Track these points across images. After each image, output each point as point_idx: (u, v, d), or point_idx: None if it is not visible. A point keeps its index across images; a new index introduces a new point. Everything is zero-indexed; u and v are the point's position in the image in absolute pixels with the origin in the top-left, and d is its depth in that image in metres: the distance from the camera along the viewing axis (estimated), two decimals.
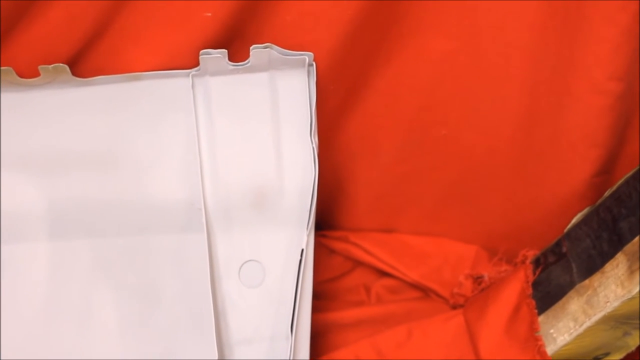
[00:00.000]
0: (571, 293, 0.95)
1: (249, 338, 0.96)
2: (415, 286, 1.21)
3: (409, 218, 1.21)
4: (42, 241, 0.94)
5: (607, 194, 0.96)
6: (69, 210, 0.94)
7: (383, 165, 1.12)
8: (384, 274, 1.22)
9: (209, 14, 0.88)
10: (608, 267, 0.91)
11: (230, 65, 0.90)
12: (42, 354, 0.94)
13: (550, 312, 0.98)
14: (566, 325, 0.95)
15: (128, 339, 0.96)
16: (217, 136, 0.93)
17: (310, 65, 0.92)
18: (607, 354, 0.99)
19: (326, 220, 1.22)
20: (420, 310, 1.16)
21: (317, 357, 1.09)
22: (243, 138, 0.94)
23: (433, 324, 1.11)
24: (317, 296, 1.01)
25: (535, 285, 1.02)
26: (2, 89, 0.89)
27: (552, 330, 0.97)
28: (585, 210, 0.99)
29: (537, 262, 1.04)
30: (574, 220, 1.00)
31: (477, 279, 1.15)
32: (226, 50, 0.89)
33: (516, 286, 1.04)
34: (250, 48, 0.89)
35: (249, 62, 0.90)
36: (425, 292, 1.21)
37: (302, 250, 0.91)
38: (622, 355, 0.99)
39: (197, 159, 0.92)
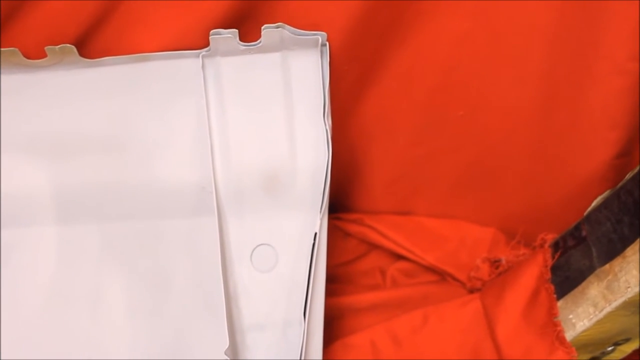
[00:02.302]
0: (591, 278, 0.94)
1: (261, 323, 0.95)
2: (431, 270, 1.20)
3: (425, 200, 1.19)
4: (50, 225, 0.93)
5: (628, 176, 0.94)
6: (76, 194, 0.93)
7: (399, 146, 1.10)
8: (399, 257, 1.21)
9: None
10: (629, 251, 0.89)
11: (242, 46, 0.88)
12: (51, 340, 0.93)
13: (569, 297, 0.96)
14: (586, 310, 0.93)
15: (138, 325, 0.95)
16: (228, 118, 0.91)
17: (323, 45, 0.90)
18: (627, 340, 0.98)
19: (341, 202, 1.21)
20: (436, 294, 1.15)
21: (330, 342, 1.07)
22: (255, 120, 0.92)
23: (449, 308, 1.09)
24: (331, 280, 1.00)
25: (554, 269, 1.00)
26: (8, 70, 0.88)
27: (571, 316, 0.95)
28: (606, 193, 0.97)
29: (556, 246, 1.02)
30: (594, 203, 0.98)
31: (495, 263, 1.13)
32: (237, 30, 0.87)
33: (534, 270, 1.02)
34: (262, 28, 0.87)
35: (260, 42, 0.88)
36: (441, 275, 1.19)
37: (315, 234, 0.90)
38: None
39: (207, 142, 0.91)
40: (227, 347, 0.86)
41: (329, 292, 0.95)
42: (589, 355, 0.99)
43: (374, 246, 1.23)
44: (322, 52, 0.90)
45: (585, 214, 0.99)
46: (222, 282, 0.89)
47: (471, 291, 1.15)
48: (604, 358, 1.01)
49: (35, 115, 0.91)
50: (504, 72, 0.98)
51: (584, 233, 0.97)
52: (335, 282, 1.16)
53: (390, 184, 1.17)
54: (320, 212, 0.90)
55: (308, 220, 0.93)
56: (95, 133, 0.92)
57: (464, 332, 1.07)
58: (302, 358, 0.89)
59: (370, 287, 1.19)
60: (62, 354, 0.93)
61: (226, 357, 0.85)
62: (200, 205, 0.94)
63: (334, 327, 1.10)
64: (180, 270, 0.95)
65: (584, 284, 0.94)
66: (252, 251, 0.95)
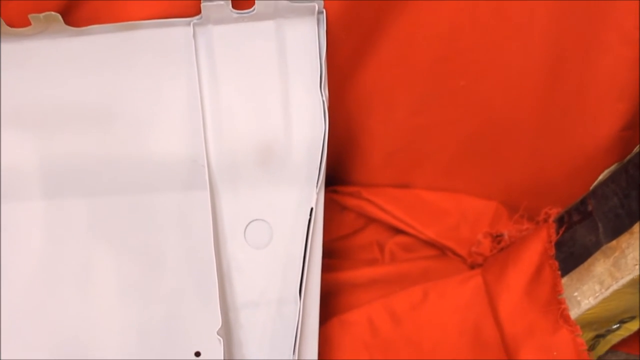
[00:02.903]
0: (597, 254, 0.92)
1: (255, 301, 0.93)
2: (431, 244, 1.18)
3: (425, 173, 1.17)
4: (36, 200, 0.90)
5: (636, 149, 0.93)
6: (64, 168, 0.90)
7: (398, 117, 1.07)
8: (398, 231, 1.19)
9: None
10: (637, 227, 0.87)
11: (235, 13, 0.85)
12: (38, 318, 0.91)
13: (574, 274, 0.94)
14: (591, 288, 0.91)
15: (128, 302, 0.93)
16: (220, 89, 0.89)
17: (320, 12, 0.87)
18: (633, 318, 0.96)
19: (338, 175, 1.19)
20: (436, 269, 1.13)
21: (327, 319, 1.06)
22: (248, 91, 0.89)
23: (450, 284, 1.08)
24: (328, 254, 0.98)
25: (559, 245, 0.98)
26: None
27: (576, 294, 0.93)
28: (613, 167, 0.95)
29: (560, 221, 1.00)
30: (600, 177, 0.96)
31: (497, 238, 1.11)
32: None
33: (538, 246, 1.00)
34: None
35: (254, 9, 0.85)
36: (441, 250, 1.18)
37: (312, 209, 0.87)
38: None
39: (199, 113, 0.88)
40: (219, 326, 0.84)
41: (325, 268, 0.92)
42: (594, 333, 0.98)
43: (371, 220, 1.21)
44: (318, 20, 0.88)
45: (591, 188, 0.97)
46: (214, 258, 0.88)
47: (472, 267, 1.13)
48: (609, 335, 0.99)
49: (20, 86, 0.88)
50: (508, 41, 0.95)
51: (589, 208, 0.95)
52: (331, 257, 1.15)
53: (388, 156, 1.14)
54: (317, 186, 0.88)
55: (304, 194, 0.91)
56: (82, 104, 0.89)
57: (465, 309, 1.06)
58: (298, 336, 0.87)
59: (368, 262, 1.17)
60: (51, 332, 0.91)
61: (218, 337, 0.83)
62: (191, 179, 0.91)
63: (331, 304, 1.08)
64: (172, 246, 0.93)
65: (589, 260, 0.92)
66: (246, 227, 0.92)
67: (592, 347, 1.00)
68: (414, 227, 1.16)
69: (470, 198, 1.17)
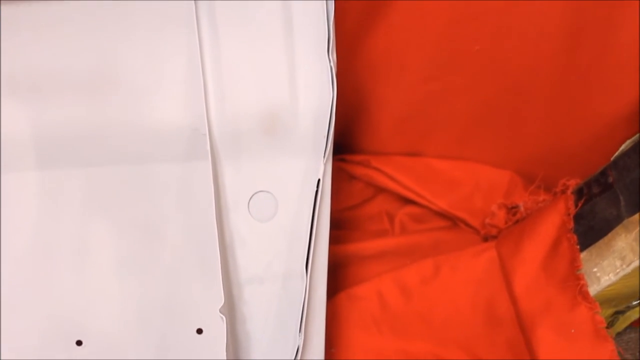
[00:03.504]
0: (618, 229, 0.89)
1: (260, 276, 0.89)
2: (442, 215, 1.16)
3: (437, 141, 1.14)
4: (30, 170, 0.86)
5: None
6: (59, 137, 0.85)
7: (409, 83, 1.05)
8: (408, 201, 1.17)
9: None
10: None
11: None
12: (34, 292, 0.87)
13: (593, 249, 0.91)
14: (612, 264, 0.89)
15: (127, 278, 0.89)
16: (222, 54, 0.84)
17: None
18: None
19: (346, 143, 1.16)
20: (448, 241, 1.11)
21: (335, 293, 1.04)
22: (252, 56, 0.85)
23: (462, 257, 1.06)
24: (335, 225, 0.95)
25: (577, 218, 0.95)
26: None
27: (595, 269, 0.90)
28: (636, 137, 0.92)
29: (579, 193, 0.97)
30: (622, 147, 0.93)
31: (512, 209, 1.09)
32: None
33: (556, 219, 0.97)
34: None
35: None
36: (453, 221, 1.16)
37: (319, 180, 0.85)
38: None
39: (200, 79, 0.84)
40: (222, 304, 0.81)
41: (333, 239, 0.90)
42: (613, 310, 0.96)
43: (381, 190, 1.19)
44: None
45: (612, 158, 0.93)
46: (216, 232, 0.84)
47: (485, 239, 1.11)
48: (629, 312, 0.97)
49: (12, 51, 0.83)
50: (524, 3, 0.92)
51: (610, 179, 0.92)
52: (339, 227, 1.13)
53: (399, 123, 1.12)
54: (324, 156, 0.85)
55: (310, 165, 0.87)
56: (78, 71, 0.84)
57: (478, 283, 1.04)
58: (304, 312, 0.85)
59: (377, 234, 1.15)
60: (46, 308, 0.88)
61: (221, 315, 0.81)
62: (192, 149, 0.87)
63: (339, 277, 1.06)
64: (172, 220, 0.89)
65: (610, 235, 0.90)
66: (250, 198, 0.89)
67: (610, 324, 0.97)
68: (425, 197, 1.14)
69: (484, 167, 1.14)
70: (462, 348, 1.01)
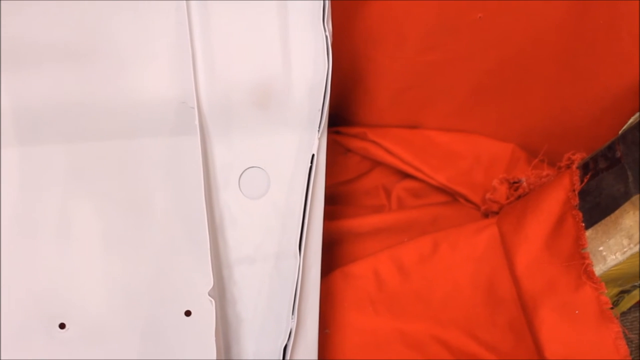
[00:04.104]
0: (626, 206, 0.86)
1: (251, 256, 0.87)
2: (441, 190, 1.14)
3: (436, 112, 1.12)
4: (10, 146, 0.82)
5: None
6: (39, 111, 0.82)
7: (408, 53, 1.02)
8: (406, 175, 1.15)
9: None
10: None
11: None
12: (14, 273, 0.84)
13: (599, 227, 0.89)
14: (619, 242, 0.86)
15: (112, 257, 0.86)
16: (212, 23, 0.81)
17: None
18: None
19: (341, 115, 1.14)
20: (447, 217, 1.10)
21: (329, 271, 1.02)
22: (243, 25, 0.82)
23: (462, 234, 1.04)
24: (330, 200, 0.95)
25: (583, 194, 0.92)
26: None
27: (601, 248, 0.88)
28: None
29: (585, 168, 0.94)
30: (630, 121, 0.91)
31: (514, 184, 1.07)
32: None
33: (560, 194, 0.95)
34: None
35: None
36: (452, 196, 1.14)
37: (313, 155, 0.83)
38: None
39: (189, 50, 0.81)
40: (211, 286, 0.79)
41: (328, 215, 0.89)
42: (618, 289, 0.94)
43: (377, 163, 1.17)
44: None
45: (620, 132, 0.91)
46: (205, 210, 0.82)
47: (486, 215, 1.10)
48: (635, 291, 0.95)
49: None
50: None
51: (618, 154, 0.89)
52: (334, 203, 1.11)
53: (397, 94, 1.09)
54: (319, 130, 0.83)
55: (304, 139, 0.85)
56: (59, 40, 0.80)
57: (478, 261, 1.02)
58: (297, 294, 0.83)
59: (374, 209, 1.14)
60: (27, 290, 0.84)
61: (210, 298, 0.78)
62: (180, 123, 0.84)
63: (333, 254, 1.05)
64: (159, 197, 0.86)
65: (617, 212, 0.87)
66: (240, 175, 0.86)
67: (615, 303, 0.95)
68: (423, 171, 1.11)
69: (485, 140, 1.12)
70: (461, 328, 1.00)
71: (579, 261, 0.89)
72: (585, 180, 0.92)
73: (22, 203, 0.83)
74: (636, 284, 0.92)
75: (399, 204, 1.14)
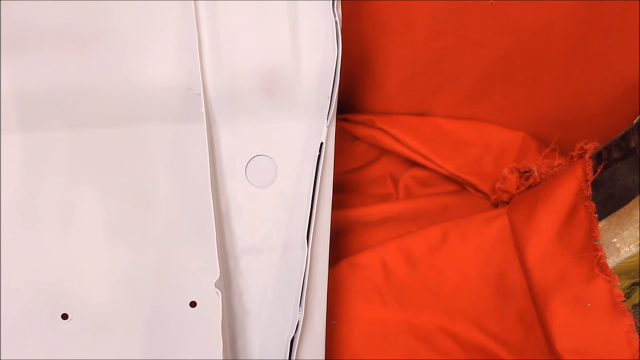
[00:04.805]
0: None
1: (258, 247, 0.86)
2: (450, 179, 1.13)
3: (446, 100, 1.10)
4: (12, 133, 0.81)
5: None
6: (42, 96, 0.80)
7: (417, 39, 1.01)
8: (414, 164, 1.14)
9: None
10: None
11: None
12: (17, 262, 0.83)
13: (613, 218, 0.87)
14: (633, 234, 0.84)
15: (116, 246, 0.84)
16: (219, 8, 0.80)
17: None
18: None
19: (349, 102, 1.12)
20: (456, 207, 1.09)
21: (336, 261, 1.01)
22: (251, 10, 0.80)
23: (472, 224, 1.02)
24: (337, 189, 0.92)
25: (596, 185, 0.91)
26: None
27: (614, 240, 0.86)
28: None
29: (598, 158, 0.92)
30: None
31: (525, 174, 1.05)
32: None
33: (572, 185, 0.93)
34: None
35: None
36: (461, 185, 1.13)
37: (321, 143, 0.82)
38: None
39: (195, 35, 0.79)
40: (217, 277, 0.78)
41: (335, 204, 0.87)
42: (630, 281, 0.92)
43: (385, 151, 1.16)
44: None
45: (635, 121, 0.89)
46: (212, 199, 0.80)
47: (496, 205, 1.08)
48: None
49: None
50: None
51: (632, 144, 0.87)
52: (341, 191, 1.10)
53: (405, 81, 1.08)
54: (327, 118, 0.82)
55: (313, 127, 0.84)
56: (61, 24, 0.79)
57: (488, 252, 1.01)
58: (305, 286, 0.82)
59: (381, 198, 1.13)
60: (29, 280, 0.83)
61: (216, 290, 0.77)
62: (186, 110, 0.82)
63: (340, 244, 1.04)
64: (164, 186, 0.84)
65: (631, 203, 0.85)
66: (247, 163, 0.85)
67: (627, 296, 0.93)
68: (432, 160, 1.10)
69: (495, 128, 1.11)
70: (470, 320, 0.98)
71: (592, 253, 0.87)
72: (599, 170, 0.90)
73: (23, 191, 0.82)
74: None
75: (406, 193, 1.13)
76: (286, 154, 0.84)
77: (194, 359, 0.86)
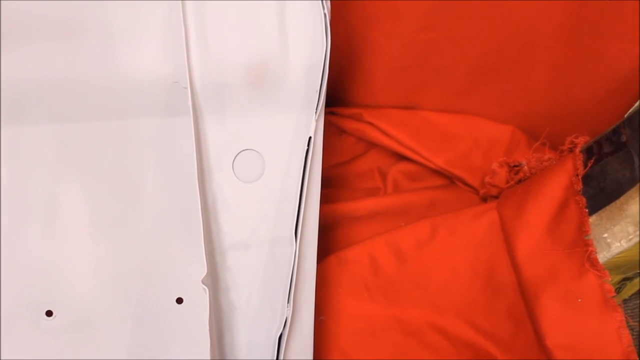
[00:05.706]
0: (632, 192, 0.84)
1: (245, 242, 0.85)
2: (439, 173, 1.12)
3: (434, 93, 1.10)
4: None
5: None
6: (26, 89, 0.79)
7: (406, 32, 1.00)
8: (402, 157, 1.13)
9: None
10: None
11: None
12: (1, 257, 0.81)
13: (604, 213, 0.86)
14: (624, 229, 0.84)
15: (102, 241, 0.83)
16: (206, 0, 0.79)
17: None
18: None
19: (336, 95, 1.12)
20: (444, 201, 1.08)
21: (324, 256, 1.01)
22: (239, 3, 0.79)
23: (461, 219, 1.02)
24: (324, 183, 0.91)
25: (587, 179, 0.90)
26: None
27: (605, 235, 0.86)
28: None
29: (589, 152, 0.92)
30: (637, 104, 0.90)
31: (514, 168, 1.05)
32: None
33: (562, 179, 0.93)
34: None
35: None
36: (450, 180, 1.12)
37: (310, 138, 0.81)
38: None
39: (181, 28, 0.78)
40: (204, 273, 0.77)
41: (322, 198, 0.86)
42: (621, 276, 0.92)
43: (373, 145, 1.15)
44: None
45: (626, 115, 0.89)
46: (198, 193, 0.80)
47: (484, 199, 1.08)
48: (637, 278, 0.94)
49: None
50: None
51: (624, 138, 0.87)
52: (329, 185, 1.09)
53: (394, 73, 1.07)
54: (316, 111, 0.81)
55: (301, 121, 0.83)
56: (47, 15, 0.77)
57: (478, 247, 1.00)
58: (293, 282, 0.81)
59: (369, 192, 1.12)
60: (12, 277, 0.82)
61: (203, 286, 0.77)
62: (173, 104, 0.81)
63: (328, 239, 1.03)
64: (150, 180, 0.83)
65: (622, 198, 0.85)
66: (235, 157, 0.84)
67: (617, 291, 0.93)
68: (421, 154, 1.09)
69: (484, 121, 1.10)
70: (459, 316, 0.98)
71: (582, 248, 0.87)
72: (589, 164, 0.89)
73: (7, 185, 0.80)
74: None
75: (394, 187, 1.12)
76: (274, 148, 0.84)
77: (180, 357, 0.84)
